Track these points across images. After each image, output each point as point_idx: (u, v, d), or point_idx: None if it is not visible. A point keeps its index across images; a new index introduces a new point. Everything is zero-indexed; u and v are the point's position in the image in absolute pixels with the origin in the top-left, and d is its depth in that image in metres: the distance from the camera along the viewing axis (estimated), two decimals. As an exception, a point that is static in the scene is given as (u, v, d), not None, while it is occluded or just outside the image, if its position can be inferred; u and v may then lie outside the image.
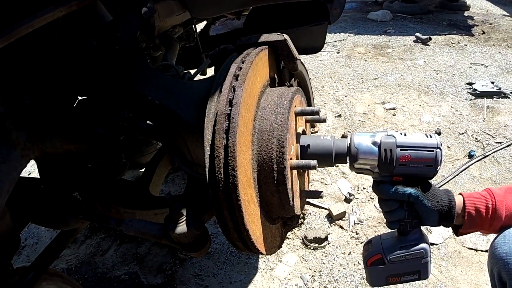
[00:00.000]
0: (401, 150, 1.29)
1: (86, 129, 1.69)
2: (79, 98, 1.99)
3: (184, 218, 1.47)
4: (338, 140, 1.44)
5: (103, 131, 1.74)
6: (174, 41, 2.48)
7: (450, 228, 1.45)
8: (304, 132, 1.58)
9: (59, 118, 1.61)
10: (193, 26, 2.79)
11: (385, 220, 1.44)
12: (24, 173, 3.69)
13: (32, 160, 1.66)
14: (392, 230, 1.46)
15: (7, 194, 1.37)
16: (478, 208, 1.35)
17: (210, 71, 2.92)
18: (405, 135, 1.32)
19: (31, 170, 4.29)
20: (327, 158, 1.43)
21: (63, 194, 1.79)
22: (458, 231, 1.44)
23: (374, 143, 1.33)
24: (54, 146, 1.60)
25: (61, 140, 1.61)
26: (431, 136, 1.31)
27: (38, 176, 1.95)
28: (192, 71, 2.18)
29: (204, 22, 3.25)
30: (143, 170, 3.47)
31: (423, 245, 1.37)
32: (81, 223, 1.82)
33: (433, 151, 1.28)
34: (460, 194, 1.42)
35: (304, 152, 1.48)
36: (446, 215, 1.35)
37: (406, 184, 1.34)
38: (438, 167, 1.31)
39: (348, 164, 1.42)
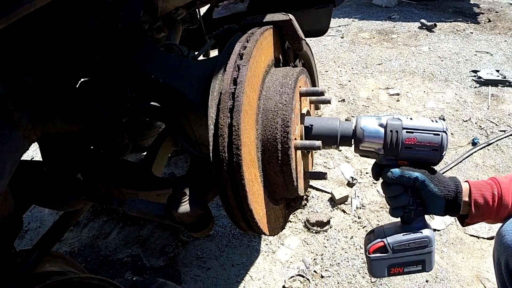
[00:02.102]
0: (407, 132, 1.27)
1: (89, 109, 1.68)
2: (82, 79, 1.98)
3: (187, 198, 1.47)
4: (344, 122, 1.43)
5: (105, 111, 1.72)
6: (177, 23, 2.45)
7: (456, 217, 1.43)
8: (308, 113, 1.57)
9: (62, 99, 1.59)
10: (196, 8, 2.76)
11: (388, 206, 1.41)
12: (26, 158, 3.69)
13: (35, 145, 1.65)
14: (395, 220, 1.44)
15: (10, 175, 1.36)
16: (484, 196, 1.32)
17: (213, 54, 2.90)
18: (411, 119, 1.30)
19: (33, 155, 4.29)
20: (332, 139, 1.42)
21: (66, 175, 1.79)
22: (464, 221, 1.41)
23: (380, 125, 1.31)
24: (56, 127, 1.59)
25: (63, 121, 1.60)
26: (437, 121, 1.30)
27: (41, 160, 1.94)
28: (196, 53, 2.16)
29: (208, 5, 3.23)
30: (145, 153, 3.47)
31: (427, 233, 1.33)
32: (83, 204, 1.81)
33: (439, 134, 1.26)
34: (466, 181, 1.39)
35: (309, 133, 1.46)
36: (452, 201, 1.31)
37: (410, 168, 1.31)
38: (444, 152, 1.29)
39: (353, 146, 1.40)
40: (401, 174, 1.30)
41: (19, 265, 1.59)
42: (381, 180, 1.40)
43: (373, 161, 1.42)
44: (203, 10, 3.14)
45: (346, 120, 4.16)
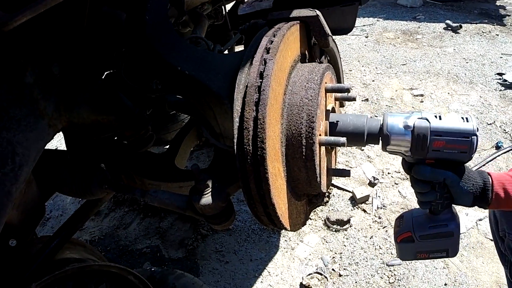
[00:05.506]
0: (435, 136, 1.23)
1: (114, 100, 1.69)
2: (108, 71, 2.00)
3: (210, 190, 1.46)
4: (371, 120, 1.40)
5: (131, 102, 1.74)
6: (203, 18, 2.46)
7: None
8: (333, 110, 1.56)
9: (87, 89, 1.61)
10: (222, 3, 2.77)
11: (416, 200, 1.41)
12: (50, 147, 3.74)
13: (59, 135, 1.67)
14: None
15: (34, 163, 1.38)
16: (506, 189, 1.32)
17: (238, 49, 2.90)
18: (440, 118, 1.25)
19: (57, 145, 4.35)
20: (359, 137, 1.39)
21: (89, 164, 1.81)
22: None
23: (406, 127, 1.26)
24: (81, 116, 1.60)
25: (88, 111, 1.61)
26: (467, 120, 1.24)
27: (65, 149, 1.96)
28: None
29: (233, 2, 3.24)
30: (167, 147, 3.49)
31: (452, 226, 1.35)
32: (105, 193, 1.83)
33: (468, 138, 1.21)
34: (488, 173, 1.37)
35: (334, 129, 1.45)
36: (480, 197, 1.31)
37: (438, 166, 1.29)
38: (473, 154, 1.25)
39: (380, 144, 1.38)
40: (431, 173, 1.28)
41: (40, 251, 1.62)
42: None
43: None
44: (228, 6, 3.15)
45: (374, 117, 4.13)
